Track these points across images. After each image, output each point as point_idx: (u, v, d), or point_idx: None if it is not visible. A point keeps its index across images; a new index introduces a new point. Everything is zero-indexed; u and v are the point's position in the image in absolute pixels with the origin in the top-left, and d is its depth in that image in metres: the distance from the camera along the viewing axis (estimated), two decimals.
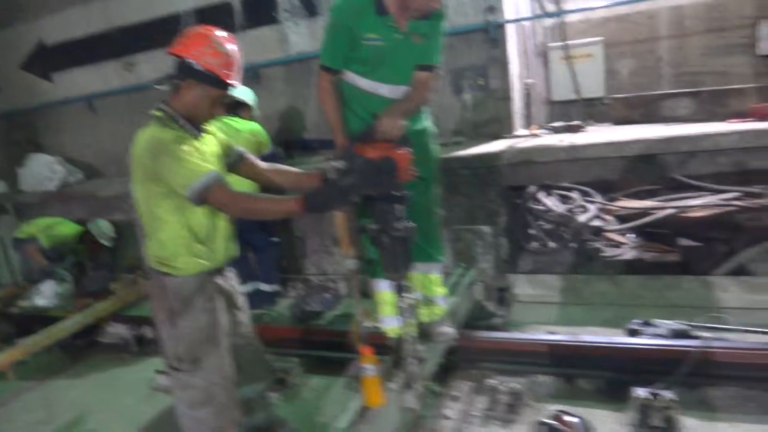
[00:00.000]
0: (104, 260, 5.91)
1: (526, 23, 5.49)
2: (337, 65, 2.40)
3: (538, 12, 5.37)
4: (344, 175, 2.05)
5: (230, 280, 2.46)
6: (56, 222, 5.68)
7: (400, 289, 2.29)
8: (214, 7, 5.53)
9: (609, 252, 5.02)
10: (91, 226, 5.71)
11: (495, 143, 4.61)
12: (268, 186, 2.55)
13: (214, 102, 2.21)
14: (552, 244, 5.20)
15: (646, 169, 3.90)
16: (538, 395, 2.99)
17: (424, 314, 2.82)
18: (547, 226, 5.39)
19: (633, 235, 5.08)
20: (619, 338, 3.07)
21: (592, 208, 5.59)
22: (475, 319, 3.68)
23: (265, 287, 4.68)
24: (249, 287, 4.62)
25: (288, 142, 5.46)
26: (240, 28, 5.49)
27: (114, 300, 4.66)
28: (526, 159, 4.19)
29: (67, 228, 5.65)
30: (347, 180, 2.03)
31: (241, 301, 2.56)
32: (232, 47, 2.20)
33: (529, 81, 5.44)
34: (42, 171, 6.22)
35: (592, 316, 3.82)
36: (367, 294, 2.89)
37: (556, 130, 4.76)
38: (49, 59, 6.48)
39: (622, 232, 5.15)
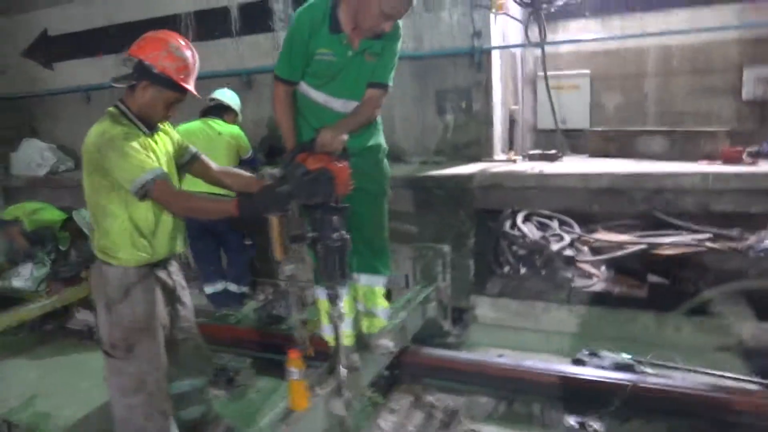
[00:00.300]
0: (86, 249, 6.00)
1: (517, 51, 5.60)
2: (291, 76, 2.48)
3: (528, 40, 5.45)
4: (281, 182, 2.13)
5: (174, 275, 2.53)
6: (42, 207, 5.77)
7: (333, 298, 2.36)
8: (211, 11, 5.68)
9: (580, 282, 5.06)
10: (75, 214, 5.81)
11: (472, 166, 4.70)
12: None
13: (168, 104, 2.30)
14: (523, 270, 5.26)
15: (610, 203, 3.96)
16: (474, 414, 3.03)
17: (365, 325, 2.88)
18: (521, 251, 5.45)
19: (605, 268, 5.12)
20: (557, 366, 3.11)
21: (567, 238, 5.65)
22: (429, 336, 3.74)
23: (233, 288, 4.74)
24: (218, 286, 4.70)
25: (273, 147, 5.57)
26: (236, 33, 5.63)
27: (84, 287, 4.74)
28: (497, 183, 4.26)
29: (51, 214, 5.74)
30: (284, 188, 2.11)
31: (185, 296, 2.62)
32: (189, 53, 2.29)
33: (514, 107, 5.54)
34: (33, 156, 6.34)
35: (547, 343, 3.86)
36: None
37: (532, 158, 4.84)
38: (52, 48, 6.64)
39: (594, 264, 5.20)
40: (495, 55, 4.97)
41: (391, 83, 2.56)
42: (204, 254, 4.66)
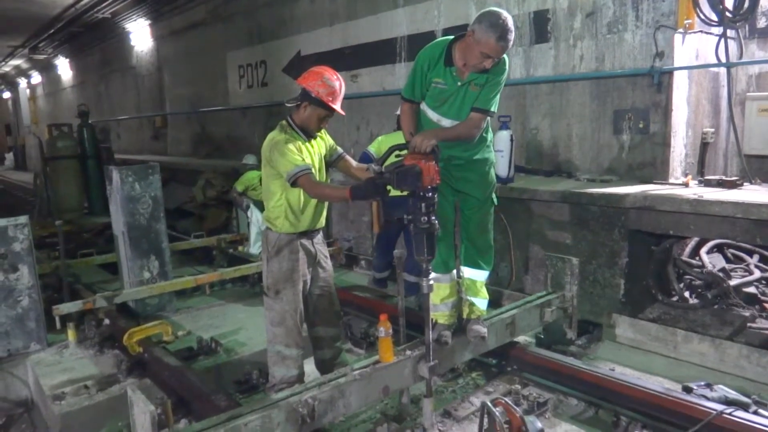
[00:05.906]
0: None
1: (721, 70, 5.28)
2: (412, 97, 3.07)
3: (731, 60, 5.08)
4: (381, 176, 2.75)
5: (317, 245, 3.32)
6: (254, 173, 6.91)
7: (426, 272, 2.86)
8: (420, 35, 6.52)
9: (760, 323, 4.65)
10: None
11: (637, 187, 4.67)
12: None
13: (320, 119, 3.11)
14: (693, 300, 4.99)
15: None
16: (560, 412, 3.27)
17: (465, 311, 3.33)
18: (697, 282, 5.16)
19: None
20: (649, 384, 3.14)
21: (757, 274, 5.15)
22: (551, 340, 3.99)
23: (410, 278, 5.47)
24: (385, 274, 5.49)
25: None
26: None
27: None
28: (650, 205, 4.23)
29: (252, 173, 6.94)
30: (382, 179, 2.73)
31: (326, 263, 3.39)
32: (337, 83, 3.07)
33: (708, 130, 5.25)
34: None
35: (672, 370, 3.75)
36: None
37: (709, 183, 4.61)
38: (302, 66, 8.23)
39: None
40: (680, 75, 4.83)
41: (492, 109, 2.97)
42: (383, 243, 5.46)
